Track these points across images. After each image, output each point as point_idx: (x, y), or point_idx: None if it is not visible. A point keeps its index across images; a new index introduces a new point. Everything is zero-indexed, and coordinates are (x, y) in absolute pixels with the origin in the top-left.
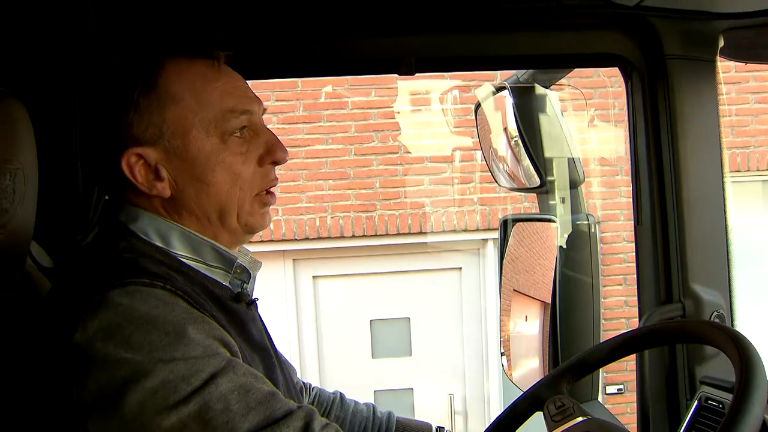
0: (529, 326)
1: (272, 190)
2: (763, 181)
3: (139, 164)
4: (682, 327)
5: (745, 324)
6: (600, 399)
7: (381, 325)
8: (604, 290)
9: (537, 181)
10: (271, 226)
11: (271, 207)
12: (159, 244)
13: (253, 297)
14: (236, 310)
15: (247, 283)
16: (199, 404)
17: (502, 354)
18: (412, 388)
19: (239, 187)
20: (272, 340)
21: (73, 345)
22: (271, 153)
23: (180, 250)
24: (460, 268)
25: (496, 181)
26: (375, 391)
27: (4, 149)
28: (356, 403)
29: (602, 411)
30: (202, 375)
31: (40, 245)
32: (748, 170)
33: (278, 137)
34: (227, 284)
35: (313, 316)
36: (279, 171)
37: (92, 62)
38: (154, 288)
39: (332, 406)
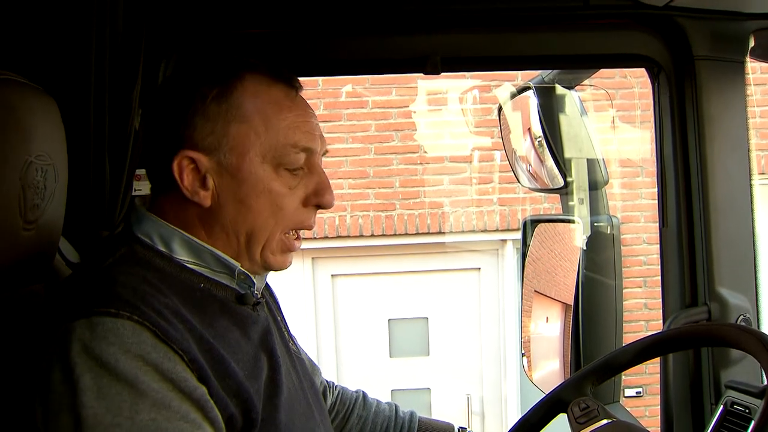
0: (550, 328)
1: (301, 234)
2: None
3: (190, 168)
4: (709, 330)
5: None
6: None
7: (399, 325)
8: (625, 292)
9: (560, 182)
10: None
11: (293, 253)
12: (161, 248)
13: (259, 297)
14: (240, 313)
15: (253, 287)
16: None
17: (522, 355)
18: (429, 388)
19: (276, 220)
20: (287, 341)
21: (39, 370)
22: (319, 195)
23: (182, 256)
24: (479, 269)
25: (519, 182)
26: (392, 390)
27: (37, 145)
28: (378, 402)
29: (625, 414)
30: None
31: (67, 240)
32: None
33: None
34: (234, 286)
35: (332, 315)
36: None
37: (128, 61)
38: (119, 318)
39: (355, 404)
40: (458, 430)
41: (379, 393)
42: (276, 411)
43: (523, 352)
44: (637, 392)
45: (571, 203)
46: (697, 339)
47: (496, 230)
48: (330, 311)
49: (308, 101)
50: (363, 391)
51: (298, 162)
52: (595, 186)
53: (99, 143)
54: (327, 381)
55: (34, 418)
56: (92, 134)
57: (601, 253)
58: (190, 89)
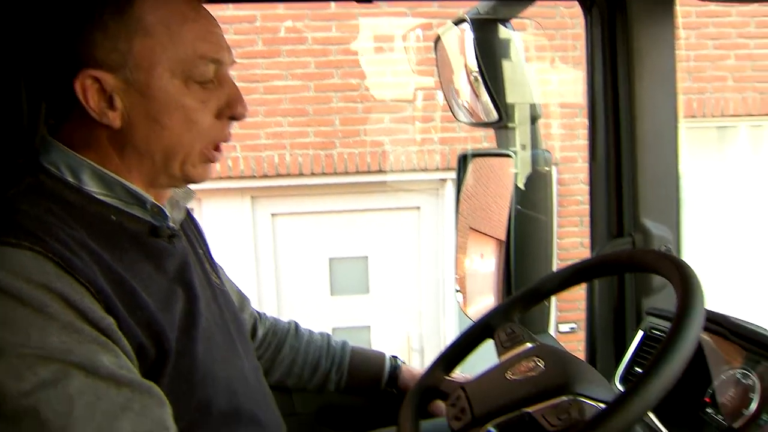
0: (484, 264)
1: (221, 146)
2: (719, 127)
3: (94, 88)
4: (631, 256)
5: (691, 257)
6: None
7: (339, 263)
8: (561, 231)
9: (495, 116)
10: (229, 162)
11: (215, 163)
12: (70, 179)
13: (176, 229)
14: (154, 245)
15: (167, 220)
16: (39, 401)
17: (457, 291)
18: (369, 326)
19: (191, 135)
20: (209, 274)
21: None
22: (232, 107)
23: (92, 187)
24: (419, 208)
25: (455, 116)
26: (333, 328)
27: None
28: (311, 332)
29: (552, 341)
30: (48, 369)
31: None
32: (704, 116)
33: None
34: (148, 218)
35: (272, 254)
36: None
37: None
38: (20, 249)
39: (287, 335)
40: (390, 359)
41: (320, 331)
42: (192, 343)
43: (458, 288)
44: (571, 328)
45: (505, 138)
46: (619, 265)
47: (437, 169)
48: (270, 250)
49: (246, 36)
50: (295, 322)
51: (208, 74)
52: (528, 120)
53: (13, 65)
54: (258, 313)
55: None
56: (6, 55)
57: (533, 188)
58: (82, 6)
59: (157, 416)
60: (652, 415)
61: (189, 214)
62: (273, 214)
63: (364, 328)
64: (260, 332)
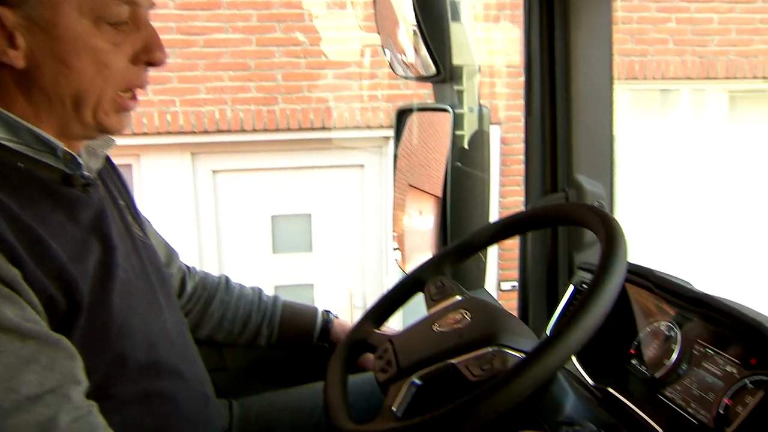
0: (422, 221)
1: (137, 93)
2: (662, 90)
3: None
4: (560, 209)
5: (626, 214)
6: (495, 295)
7: (282, 221)
8: (504, 190)
9: (433, 71)
10: (168, 117)
11: (130, 111)
12: None
13: (92, 179)
14: (66, 195)
15: (80, 168)
16: None
17: (395, 248)
18: (312, 284)
19: (103, 79)
20: (130, 225)
21: None
22: (149, 52)
23: None
24: (362, 166)
25: (394, 71)
26: (276, 286)
27: None
28: (242, 286)
29: (489, 297)
30: None
31: None
32: (645, 78)
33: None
34: (61, 167)
35: (213, 211)
36: (175, 59)
37: None
38: None
39: (217, 289)
40: (322, 313)
41: (263, 289)
42: (108, 294)
43: (396, 245)
44: (513, 286)
45: (443, 93)
46: (548, 218)
47: (381, 127)
48: (211, 208)
49: None
50: (226, 277)
51: (121, 15)
52: (466, 75)
53: None
54: (187, 267)
55: None
56: None
57: (471, 143)
58: None
59: (67, 369)
60: (579, 367)
61: (111, 164)
62: (214, 171)
63: (308, 286)
64: (189, 286)
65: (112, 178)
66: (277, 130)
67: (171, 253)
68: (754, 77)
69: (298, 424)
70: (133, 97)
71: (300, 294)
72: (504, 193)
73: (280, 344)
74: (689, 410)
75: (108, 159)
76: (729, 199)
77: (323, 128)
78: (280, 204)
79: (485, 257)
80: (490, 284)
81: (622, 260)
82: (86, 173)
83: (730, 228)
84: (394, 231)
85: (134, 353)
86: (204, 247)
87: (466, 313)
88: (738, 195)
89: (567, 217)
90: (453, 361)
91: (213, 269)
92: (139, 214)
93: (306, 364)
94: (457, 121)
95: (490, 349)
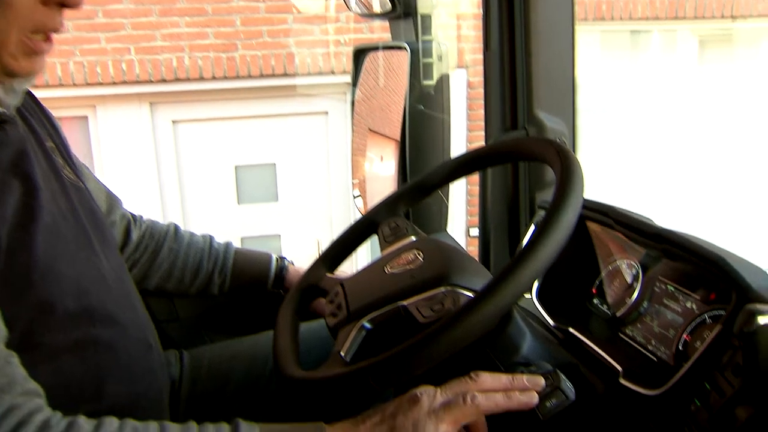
0: (383, 166)
1: (51, 36)
2: (631, 31)
3: None
4: (516, 144)
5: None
6: (463, 241)
7: (246, 171)
8: (471, 135)
9: (389, 6)
10: (124, 66)
11: (43, 55)
12: None
13: (10, 114)
14: None
15: None
16: None
17: (356, 196)
18: (279, 234)
19: (8, 19)
20: (60, 167)
21: None
22: None
23: None
24: (327, 112)
25: (348, 7)
26: (242, 237)
27: None
28: (192, 234)
29: (449, 239)
30: None
31: None
32: (613, 19)
33: None
34: None
35: (175, 163)
36: (128, 5)
37: None
38: None
39: (165, 238)
40: (276, 259)
41: (229, 240)
42: (30, 238)
43: (357, 193)
44: None
45: (400, 30)
46: (504, 154)
47: (344, 72)
48: (173, 159)
49: None
50: (175, 224)
51: None
52: (422, 10)
53: None
54: (132, 214)
55: None
56: None
57: (428, 81)
58: None
59: None
60: (539, 307)
61: (38, 105)
62: (174, 121)
63: (274, 237)
64: (135, 235)
65: (40, 119)
66: (238, 77)
67: (113, 200)
68: (722, 16)
69: (252, 373)
70: (47, 39)
71: (267, 244)
72: (471, 138)
73: (233, 292)
74: (649, 348)
75: (34, 99)
76: (700, 140)
77: (285, 75)
78: (244, 154)
79: (447, 199)
80: (459, 230)
81: (577, 194)
82: (2, 110)
83: (701, 168)
84: (355, 178)
85: (62, 299)
86: (167, 200)
87: (418, 254)
88: (708, 136)
89: (523, 152)
90: (404, 303)
91: (177, 222)
92: (72, 157)
93: (261, 312)
94: (415, 60)
95: (442, 289)
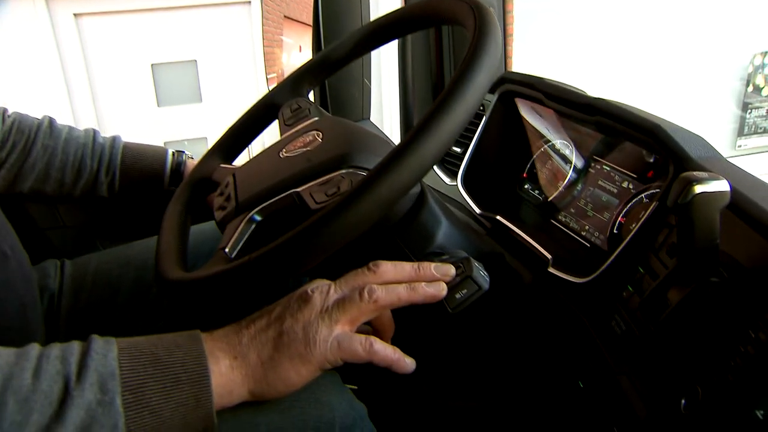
0: (303, 57)
1: None
2: None
3: None
4: (425, 7)
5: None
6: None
7: (164, 69)
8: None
9: None
10: None
11: None
12: None
13: None
14: None
15: None
16: None
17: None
18: (205, 137)
19: None
20: None
21: None
22: None
23: None
24: (250, 2)
25: None
26: (165, 141)
27: None
28: (71, 128)
29: (373, 127)
30: None
31: None
32: None
33: None
34: None
35: (82, 62)
36: None
37: None
38: None
39: (37, 133)
40: (173, 153)
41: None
42: None
43: (270, 88)
44: None
45: None
46: (413, 20)
47: None
48: (79, 58)
49: None
50: (50, 117)
51: None
52: None
53: None
54: None
55: None
56: None
57: None
58: None
59: None
60: (465, 195)
61: None
62: (76, 15)
63: (200, 140)
64: None
65: None
66: None
67: None
68: None
69: (144, 279)
70: None
71: (193, 148)
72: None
73: (124, 193)
74: (583, 234)
75: None
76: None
77: None
78: (161, 50)
79: (369, 82)
80: (394, 121)
81: (490, 53)
82: None
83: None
84: (271, 72)
85: None
86: (77, 105)
87: (317, 134)
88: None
89: (434, 15)
90: (298, 189)
91: (92, 125)
92: None
93: (157, 214)
94: None
95: (343, 171)
